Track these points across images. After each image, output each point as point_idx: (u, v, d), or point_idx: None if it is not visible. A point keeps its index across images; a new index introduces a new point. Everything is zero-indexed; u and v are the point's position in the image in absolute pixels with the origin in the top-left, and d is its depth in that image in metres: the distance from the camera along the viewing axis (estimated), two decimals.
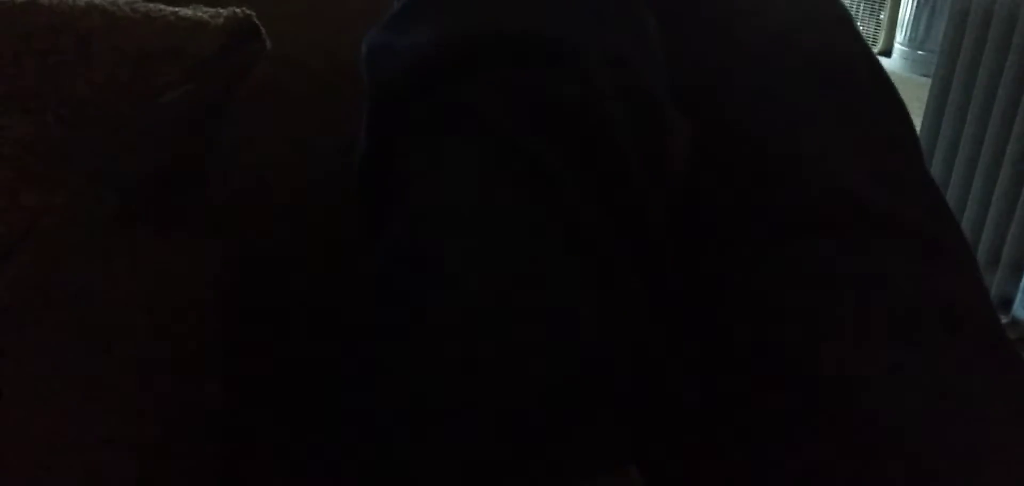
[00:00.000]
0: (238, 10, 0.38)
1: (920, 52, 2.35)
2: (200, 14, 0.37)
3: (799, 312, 0.33)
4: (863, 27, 2.99)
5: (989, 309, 0.34)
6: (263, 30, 0.39)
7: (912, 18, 2.33)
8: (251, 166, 0.45)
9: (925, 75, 2.15)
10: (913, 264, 0.33)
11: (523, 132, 0.31)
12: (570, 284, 0.30)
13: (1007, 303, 1.23)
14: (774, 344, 0.32)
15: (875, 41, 2.85)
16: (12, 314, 0.29)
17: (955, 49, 1.46)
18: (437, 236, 0.31)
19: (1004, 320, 1.23)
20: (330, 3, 0.54)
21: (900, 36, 2.42)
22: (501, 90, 0.32)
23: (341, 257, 0.41)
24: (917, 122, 1.79)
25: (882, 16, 2.64)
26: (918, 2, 2.27)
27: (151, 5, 0.36)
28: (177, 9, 0.37)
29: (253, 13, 0.39)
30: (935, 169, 1.51)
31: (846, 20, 0.44)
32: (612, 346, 0.30)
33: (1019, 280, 1.20)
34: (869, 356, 0.31)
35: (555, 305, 0.30)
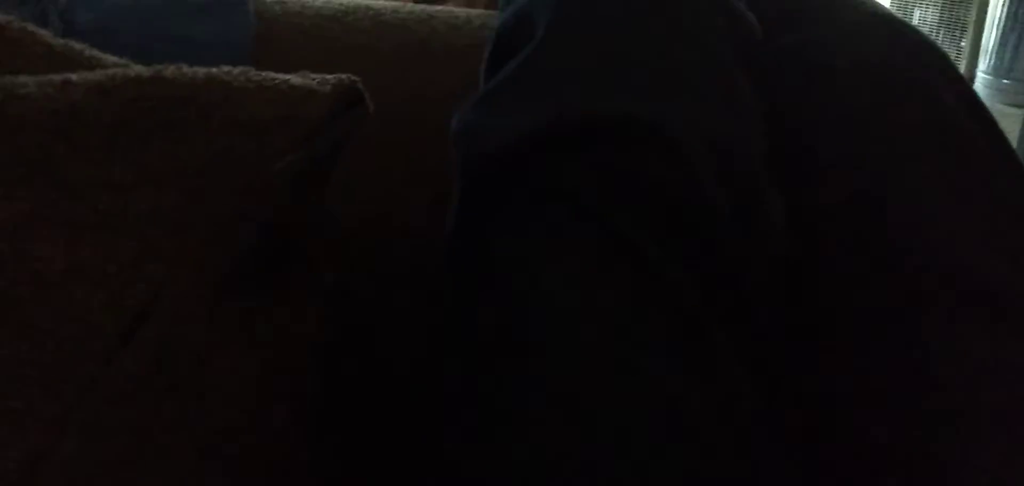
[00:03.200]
0: (344, 76, 0.39)
1: (1006, 81, 2.24)
2: (309, 81, 0.38)
3: (908, 400, 0.31)
4: None
5: None
6: (367, 96, 0.40)
7: (997, 45, 2.23)
8: (348, 230, 0.45)
9: (1012, 105, 2.05)
10: None
11: (624, 218, 0.31)
12: (674, 379, 0.29)
13: None
14: (878, 436, 0.31)
15: None
16: (139, 385, 0.30)
17: None
18: (532, 326, 0.30)
19: None
20: (424, 72, 0.55)
21: (983, 64, 2.32)
22: (601, 174, 0.31)
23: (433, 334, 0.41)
24: None
25: (963, 43, 2.53)
26: (1004, 27, 2.16)
27: (264, 74, 0.37)
28: (288, 77, 0.38)
29: (358, 79, 0.39)
30: None
31: (955, 76, 0.42)
32: (719, 444, 0.29)
33: None
34: (984, 454, 0.29)
35: (658, 401, 0.28)
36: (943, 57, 0.40)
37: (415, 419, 0.35)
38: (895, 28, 0.41)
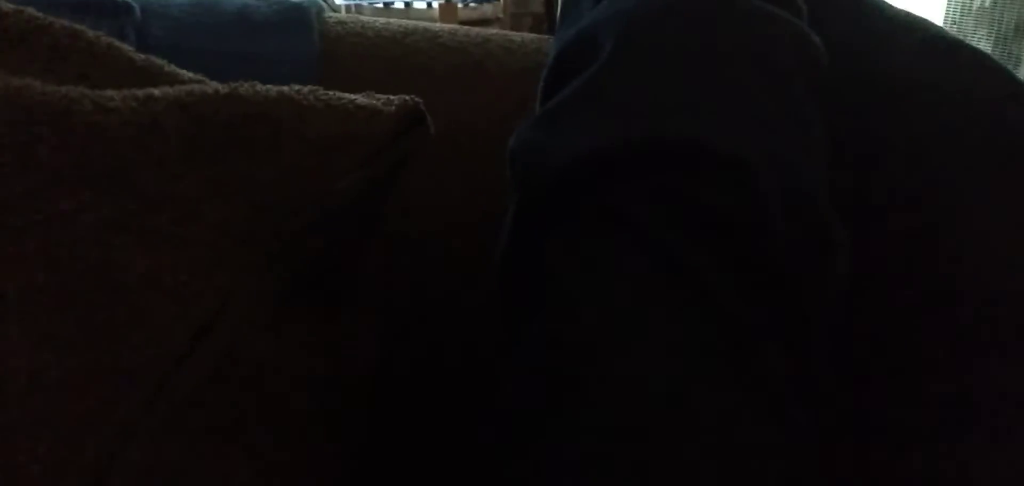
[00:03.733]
0: (408, 97, 0.40)
1: None
2: (374, 102, 0.39)
3: (954, 437, 0.30)
4: None
5: None
6: (429, 117, 0.41)
7: None
8: (405, 247, 0.46)
9: None
10: None
11: (685, 245, 0.30)
12: (731, 413, 0.28)
13: None
14: (925, 472, 0.30)
15: None
16: (203, 394, 0.30)
17: None
18: (586, 354, 0.30)
19: None
20: (479, 93, 0.55)
21: None
22: (667, 200, 0.31)
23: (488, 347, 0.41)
24: None
25: (1022, 69, 2.44)
26: None
27: (331, 94, 0.38)
28: (354, 97, 0.39)
29: (421, 100, 0.40)
30: None
31: (1012, 83, 0.40)
32: (779, 479, 0.28)
33: None
34: None
35: (716, 439, 0.28)
36: (1003, 71, 0.39)
37: (464, 441, 0.35)
38: (952, 46, 0.40)
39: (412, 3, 2.58)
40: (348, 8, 2.27)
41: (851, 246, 0.33)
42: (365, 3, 2.44)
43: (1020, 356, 0.31)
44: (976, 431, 0.31)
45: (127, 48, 0.36)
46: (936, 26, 0.43)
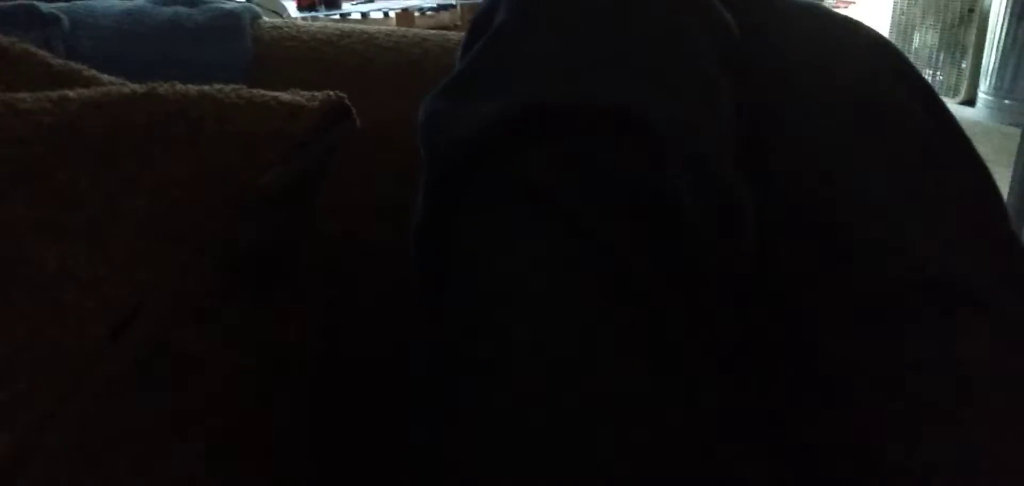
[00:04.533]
0: (331, 93, 0.41)
1: (1007, 102, 2.25)
2: (297, 97, 0.40)
3: (870, 399, 0.31)
4: (944, 77, 2.90)
5: None
6: (354, 110, 0.41)
7: (997, 66, 2.24)
8: (332, 234, 0.47)
9: (1013, 125, 2.06)
10: (997, 348, 0.31)
11: (590, 209, 0.30)
12: (639, 373, 0.29)
13: None
14: (840, 434, 0.31)
15: (957, 91, 2.75)
16: (125, 386, 0.31)
17: None
18: (495, 320, 0.30)
19: None
20: (417, 92, 0.56)
21: (984, 85, 2.33)
22: (567, 163, 0.31)
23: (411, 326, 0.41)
24: (1005, 175, 1.70)
25: (964, 65, 2.54)
26: (1004, 49, 2.17)
27: (254, 91, 0.39)
28: (277, 94, 0.40)
29: (345, 95, 0.41)
30: None
31: (909, 74, 0.42)
32: (685, 444, 0.29)
33: None
34: (943, 450, 0.29)
35: (622, 396, 0.28)
36: (898, 54, 0.41)
37: (395, 420, 0.36)
38: (849, 28, 0.42)
39: (368, 14, 2.58)
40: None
41: (752, 210, 0.34)
42: (321, 15, 2.44)
43: (921, 319, 0.32)
44: (873, 390, 0.32)
45: (43, 53, 0.36)
46: (839, 14, 0.45)
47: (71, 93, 0.33)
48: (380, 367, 0.46)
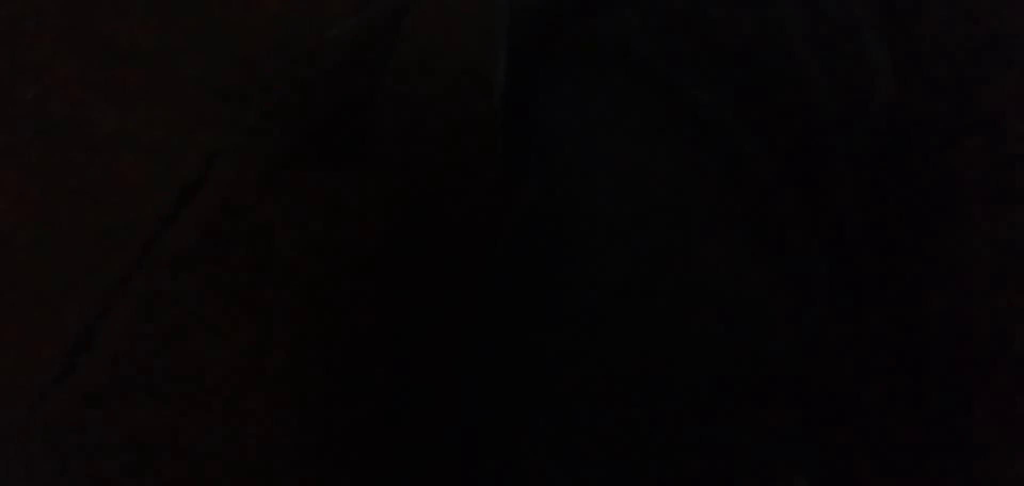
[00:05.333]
0: None
1: None
2: None
3: (1008, 312, 0.26)
4: None
5: None
6: None
7: None
8: (412, 101, 0.44)
9: None
10: None
11: (683, 74, 0.26)
12: (737, 259, 0.25)
13: None
14: (976, 349, 0.26)
15: None
16: (195, 253, 0.30)
17: None
18: (582, 202, 0.27)
19: None
20: None
21: None
22: (656, 22, 0.27)
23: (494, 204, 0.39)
24: None
25: None
26: None
27: None
28: None
29: None
30: None
31: None
32: (785, 333, 0.25)
33: None
34: None
35: (717, 282, 0.25)
36: None
37: (472, 309, 0.34)
38: None
39: None
40: None
41: (891, 77, 0.28)
42: None
43: None
44: (1012, 285, 0.27)
45: None
46: None
47: None
48: (461, 243, 0.43)
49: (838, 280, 0.26)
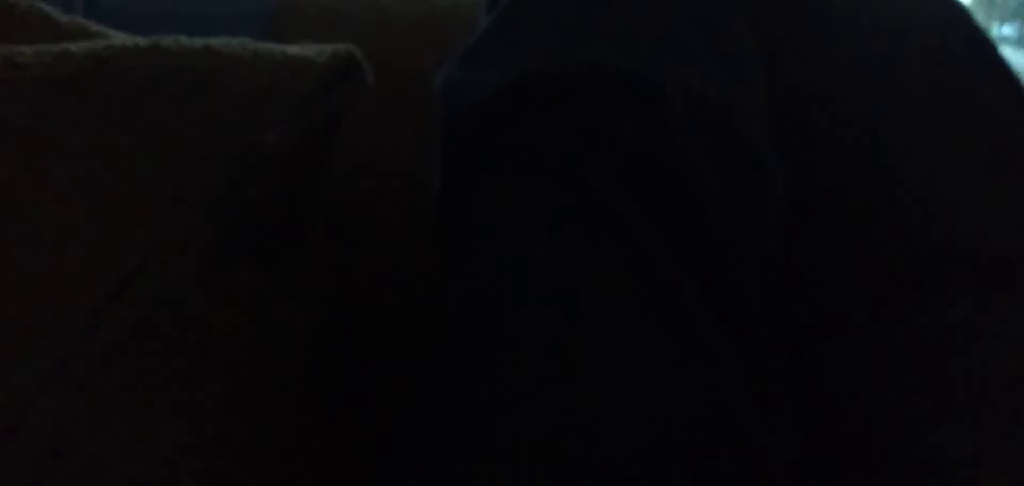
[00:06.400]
0: (341, 47, 0.39)
1: None
2: (306, 52, 0.39)
3: (912, 384, 0.29)
4: None
5: None
6: (364, 65, 0.40)
7: None
8: (348, 201, 0.46)
9: None
10: None
11: (599, 179, 0.29)
12: (649, 350, 0.28)
13: None
14: (880, 423, 0.29)
15: None
16: (126, 345, 0.30)
17: None
18: (505, 294, 0.29)
19: None
20: (446, 44, 0.54)
21: None
22: (575, 131, 0.30)
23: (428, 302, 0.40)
24: None
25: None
26: None
27: (260, 45, 0.38)
28: (285, 47, 0.38)
29: (356, 49, 0.39)
30: None
31: (961, 18, 0.38)
32: (696, 419, 0.28)
33: None
34: (988, 441, 0.27)
35: (629, 372, 0.27)
36: (956, 6, 0.37)
37: (409, 401, 0.35)
38: None
39: None
40: None
41: (784, 178, 0.32)
42: None
43: (969, 290, 0.30)
44: (917, 366, 0.30)
45: (49, 10, 0.36)
46: None
47: (73, 47, 0.33)
48: (396, 336, 0.45)
49: (747, 366, 0.29)
